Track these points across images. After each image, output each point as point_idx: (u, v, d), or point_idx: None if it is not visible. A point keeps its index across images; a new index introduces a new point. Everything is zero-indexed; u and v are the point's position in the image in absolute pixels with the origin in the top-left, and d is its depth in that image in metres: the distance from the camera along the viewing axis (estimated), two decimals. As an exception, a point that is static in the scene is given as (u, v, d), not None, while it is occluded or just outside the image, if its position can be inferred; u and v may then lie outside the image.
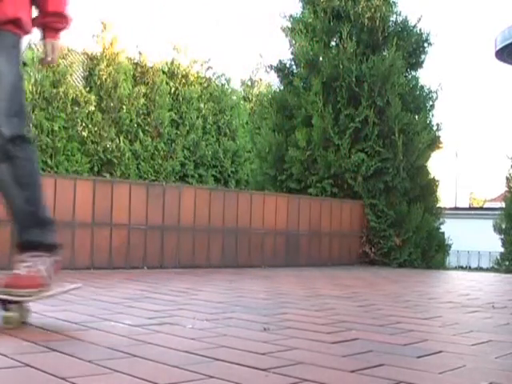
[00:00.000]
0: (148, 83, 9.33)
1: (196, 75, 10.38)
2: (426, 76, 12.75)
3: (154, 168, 9.10)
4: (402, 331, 1.95)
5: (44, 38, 2.02)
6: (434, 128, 6.51)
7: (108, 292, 2.82)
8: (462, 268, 8.95)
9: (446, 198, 10.91)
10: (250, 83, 13.21)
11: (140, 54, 9.56)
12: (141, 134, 8.97)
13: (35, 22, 1.99)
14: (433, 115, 6.53)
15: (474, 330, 2.03)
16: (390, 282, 4.23)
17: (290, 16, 6.74)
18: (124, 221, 4.32)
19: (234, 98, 11.06)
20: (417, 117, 6.34)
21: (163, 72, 9.83)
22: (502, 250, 9.87)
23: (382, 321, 2.16)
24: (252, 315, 2.19)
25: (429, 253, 6.08)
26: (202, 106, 10.23)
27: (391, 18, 6.56)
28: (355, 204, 6.01)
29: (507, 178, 7.23)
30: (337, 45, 6.43)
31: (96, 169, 8.30)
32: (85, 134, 8.30)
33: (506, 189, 7.31)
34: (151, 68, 9.53)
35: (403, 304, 2.76)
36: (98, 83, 8.66)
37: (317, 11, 6.52)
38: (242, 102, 11.57)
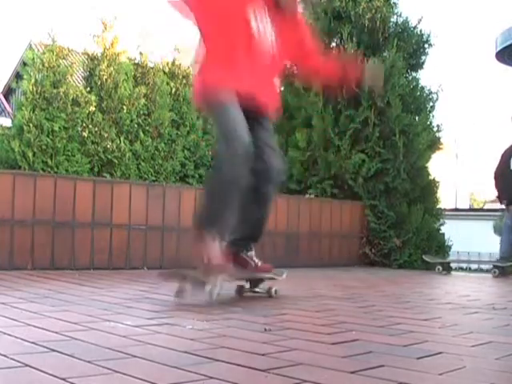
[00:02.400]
0: (149, 84, 9.31)
1: (197, 76, 10.38)
2: (426, 77, 12.76)
3: (155, 168, 9.08)
4: (402, 332, 1.95)
5: None
6: (435, 129, 6.52)
7: (108, 292, 2.82)
8: (462, 269, 8.94)
9: (446, 199, 10.90)
10: (250, 84, 13.21)
11: (141, 54, 9.55)
12: (141, 134, 8.94)
13: None
14: (433, 116, 6.54)
15: (474, 331, 2.03)
16: (390, 283, 4.23)
17: (291, 17, 6.74)
18: (124, 221, 4.32)
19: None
20: (417, 118, 6.34)
21: (164, 72, 9.82)
22: (502, 251, 9.81)
23: (382, 322, 2.16)
24: (252, 316, 2.18)
25: (429, 254, 6.08)
26: (202, 106, 10.22)
27: (392, 19, 6.57)
28: (355, 205, 6.01)
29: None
30: (337, 45, 6.43)
31: (96, 169, 8.28)
32: (85, 134, 8.29)
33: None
34: (152, 68, 9.52)
35: (403, 305, 2.76)
36: (99, 83, 8.65)
37: (317, 12, 6.52)
38: (242, 102, 11.56)
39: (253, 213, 2.76)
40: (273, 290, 2.87)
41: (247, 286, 2.87)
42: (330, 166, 6.03)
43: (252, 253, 2.86)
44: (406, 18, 6.64)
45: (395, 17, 6.61)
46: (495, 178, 6.02)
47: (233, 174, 2.49)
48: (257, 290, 2.90)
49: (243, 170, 2.49)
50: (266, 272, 2.90)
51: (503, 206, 6.08)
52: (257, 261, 2.86)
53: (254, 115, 2.64)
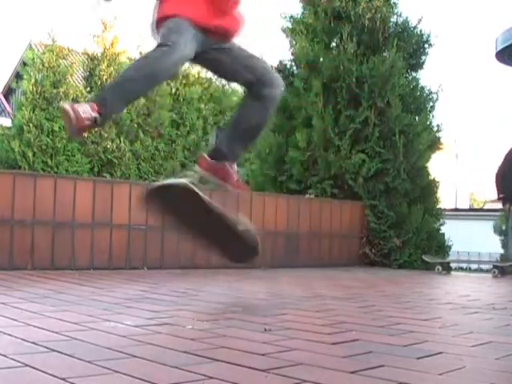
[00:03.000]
0: (148, 84, 9.32)
1: (197, 75, 10.39)
2: (426, 77, 12.76)
3: (155, 168, 9.09)
4: (402, 332, 1.95)
5: None
6: (435, 129, 6.52)
7: (108, 292, 2.82)
8: (462, 269, 8.95)
9: (446, 199, 10.91)
10: (250, 84, 13.20)
11: (141, 54, 9.56)
12: (141, 134, 8.96)
13: None
14: (433, 116, 6.54)
15: (474, 331, 2.03)
16: (390, 283, 4.23)
17: (291, 17, 6.75)
18: (124, 221, 4.32)
19: (235, 98, 11.06)
20: (417, 118, 6.34)
21: (164, 72, 9.82)
22: (502, 251, 9.81)
23: (382, 322, 2.16)
24: (252, 316, 2.19)
25: (429, 254, 6.08)
26: (202, 106, 10.23)
27: (392, 19, 6.57)
28: (355, 205, 6.01)
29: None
30: (337, 46, 6.43)
31: (96, 169, 8.29)
32: (85, 134, 8.30)
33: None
34: (152, 68, 9.52)
35: (403, 305, 2.76)
36: (99, 83, 8.66)
37: (317, 12, 6.52)
38: (242, 102, 11.55)
39: (252, 118, 2.68)
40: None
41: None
42: (330, 166, 6.03)
43: (235, 167, 2.74)
44: (406, 18, 6.64)
45: (395, 17, 6.61)
46: (496, 177, 6.01)
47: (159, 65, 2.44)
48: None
49: (169, 66, 2.47)
50: (235, 188, 2.77)
51: (502, 206, 6.09)
52: (237, 177, 2.74)
53: (216, 42, 2.63)
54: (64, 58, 8.32)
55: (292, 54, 6.72)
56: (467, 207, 26.75)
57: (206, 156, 2.71)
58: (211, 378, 1.27)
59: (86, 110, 2.33)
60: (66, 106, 2.35)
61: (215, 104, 10.49)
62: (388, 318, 2.28)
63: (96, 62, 8.77)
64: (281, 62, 6.75)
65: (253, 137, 2.79)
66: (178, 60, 2.49)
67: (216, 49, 2.67)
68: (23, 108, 7.82)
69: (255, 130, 2.76)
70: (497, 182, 5.93)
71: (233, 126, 2.76)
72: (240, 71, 2.68)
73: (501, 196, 5.88)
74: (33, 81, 7.88)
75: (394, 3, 6.62)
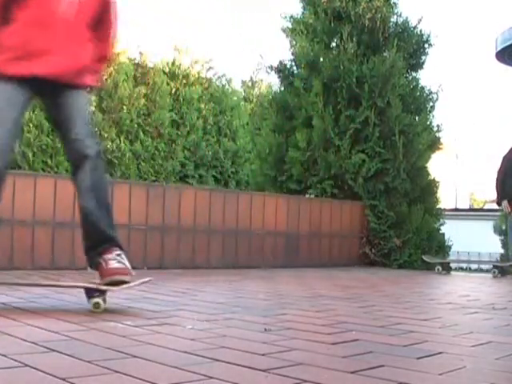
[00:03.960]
0: (149, 84, 9.33)
1: (197, 76, 10.38)
2: (426, 77, 12.76)
3: (155, 168, 9.09)
4: (402, 332, 1.95)
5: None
6: (435, 129, 6.53)
7: (108, 292, 2.81)
8: (462, 269, 8.96)
9: (446, 199, 10.92)
10: (250, 84, 13.21)
11: (141, 54, 9.55)
12: (141, 134, 8.96)
13: None
14: (433, 116, 6.55)
15: (474, 331, 2.03)
16: (390, 283, 4.23)
17: (291, 17, 6.75)
18: (124, 221, 4.32)
19: (235, 98, 11.06)
20: (417, 118, 6.35)
21: (164, 72, 9.83)
22: (502, 251, 9.81)
23: (382, 322, 2.16)
24: (252, 316, 2.19)
25: (429, 254, 6.09)
26: (202, 106, 10.23)
27: (392, 19, 6.57)
28: (355, 205, 6.01)
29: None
30: (337, 46, 6.44)
31: (96, 169, 8.29)
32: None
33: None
34: (152, 68, 9.52)
35: (403, 305, 2.76)
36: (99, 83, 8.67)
37: (317, 12, 6.52)
38: (242, 102, 11.56)
39: (84, 212, 2.41)
40: (93, 300, 2.15)
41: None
42: (330, 166, 6.03)
43: (109, 255, 2.23)
44: (406, 18, 6.65)
45: (395, 17, 6.62)
46: (496, 181, 6.01)
47: None
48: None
49: None
50: (105, 279, 2.20)
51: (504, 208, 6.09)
52: (109, 265, 2.21)
53: (51, 87, 2.25)
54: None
55: (292, 53, 6.72)
56: (467, 207, 26.75)
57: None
58: (211, 378, 1.27)
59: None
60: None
61: (215, 104, 10.49)
62: (388, 318, 2.28)
63: (96, 62, 8.77)
64: (281, 62, 6.75)
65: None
66: None
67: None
68: (23, 108, 7.82)
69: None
70: (497, 183, 5.93)
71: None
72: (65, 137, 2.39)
73: (497, 200, 5.91)
74: (33, 81, 7.87)
75: (394, 3, 6.63)
